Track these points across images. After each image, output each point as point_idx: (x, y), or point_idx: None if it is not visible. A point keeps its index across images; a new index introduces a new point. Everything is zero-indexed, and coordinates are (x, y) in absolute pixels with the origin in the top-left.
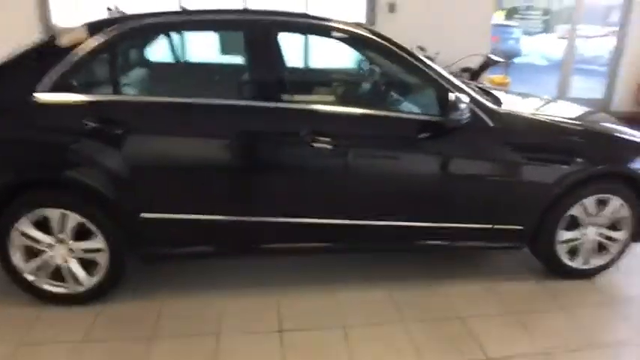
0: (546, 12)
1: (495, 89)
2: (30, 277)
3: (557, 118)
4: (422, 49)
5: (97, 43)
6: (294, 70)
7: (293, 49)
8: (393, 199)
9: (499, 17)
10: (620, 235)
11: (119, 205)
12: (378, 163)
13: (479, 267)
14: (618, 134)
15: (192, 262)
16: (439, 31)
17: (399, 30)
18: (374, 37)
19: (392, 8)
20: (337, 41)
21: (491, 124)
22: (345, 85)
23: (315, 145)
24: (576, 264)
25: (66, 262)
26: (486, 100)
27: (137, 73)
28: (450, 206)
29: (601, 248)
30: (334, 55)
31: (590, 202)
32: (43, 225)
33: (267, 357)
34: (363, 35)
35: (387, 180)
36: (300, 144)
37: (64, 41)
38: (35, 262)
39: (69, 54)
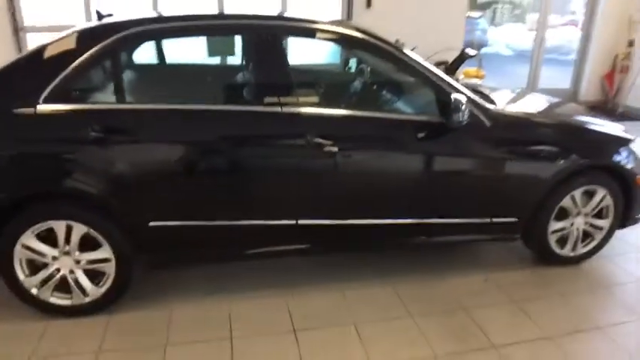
0: (516, 5)
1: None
2: (34, 291)
3: (547, 116)
4: (400, 43)
5: (99, 50)
6: (302, 75)
7: (300, 54)
8: (399, 199)
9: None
10: (604, 223)
11: (127, 214)
12: (385, 164)
13: (474, 259)
14: (603, 129)
15: (197, 266)
16: (415, 25)
17: (375, 25)
18: (379, 42)
19: (368, 3)
20: (344, 47)
21: (488, 123)
22: (350, 89)
23: (325, 148)
24: (565, 252)
25: (72, 273)
26: (482, 100)
27: (140, 79)
28: (452, 203)
29: (586, 236)
30: (337, 59)
31: (578, 193)
32: (46, 237)
33: (285, 357)
34: (368, 41)
35: (393, 180)
36: (310, 147)
37: (65, 49)
38: (40, 276)
39: (72, 62)
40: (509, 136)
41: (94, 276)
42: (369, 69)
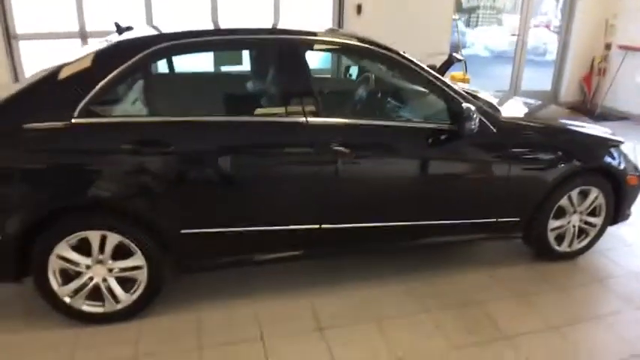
0: (498, 10)
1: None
2: (67, 299)
3: (545, 122)
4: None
5: (131, 65)
6: (326, 86)
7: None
8: (415, 201)
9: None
10: (597, 220)
11: (161, 223)
12: (401, 169)
13: (476, 257)
14: (595, 133)
15: (224, 270)
16: (403, 30)
17: (365, 31)
18: (397, 56)
19: (359, 10)
20: (370, 61)
21: (494, 130)
22: (368, 99)
23: (345, 156)
24: (563, 248)
25: (105, 281)
26: (488, 107)
27: (170, 92)
28: (463, 204)
29: (581, 232)
30: (354, 71)
31: (574, 193)
32: (79, 247)
33: (316, 355)
34: (390, 55)
35: (409, 184)
36: (332, 155)
37: (98, 63)
38: (73, 284)
39: (105, 76)
40: (514, 141)
41: (125, 282)
42: (387, 81)
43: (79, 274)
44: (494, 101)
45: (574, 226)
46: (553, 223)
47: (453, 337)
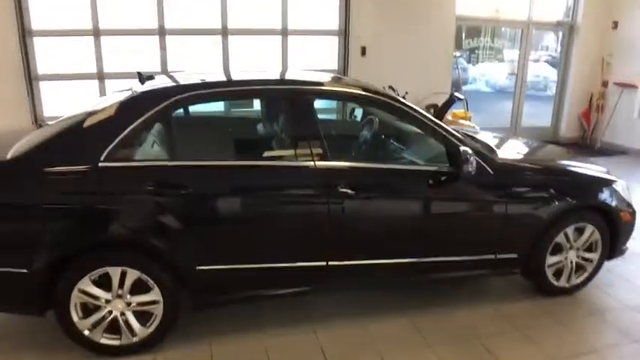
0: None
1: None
2: (86, 332)
3: (541, 163)
4: (392, 89)
5: (156, 113)
6: (333, 129)
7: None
8: (420, 240)
9: None
10: (594, 255)
11: (177, 260)
12: (404, 209)
13: (479, 292)
14: (589, 172)
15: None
16: (406, 71)
17: (369, 72)
18: (397, 103)
19: (363, 52)
20: (377, 109)
21: (491, 172)
22: (372, 142)
23: (351, 197)
24: (561, 283)
25: (123, 315)
26: (485, 150)
27: (188, 137)
28: (462, 242)
29: (579, 268)
30: (359, 113)
31: (570, 230)
32: (99, 282)
33: None
34: (387, 102)
35: (413, 223)
36: (337, 196)
37: (124, 111)
38: (93, 318)
39: (131, 124)
40: (510, 182)
41: (141, 316)
42: (390, 123)
43: (98, 308)
44: (492, 143)
45: (571, 262)
46: (550, 259)
47: None
